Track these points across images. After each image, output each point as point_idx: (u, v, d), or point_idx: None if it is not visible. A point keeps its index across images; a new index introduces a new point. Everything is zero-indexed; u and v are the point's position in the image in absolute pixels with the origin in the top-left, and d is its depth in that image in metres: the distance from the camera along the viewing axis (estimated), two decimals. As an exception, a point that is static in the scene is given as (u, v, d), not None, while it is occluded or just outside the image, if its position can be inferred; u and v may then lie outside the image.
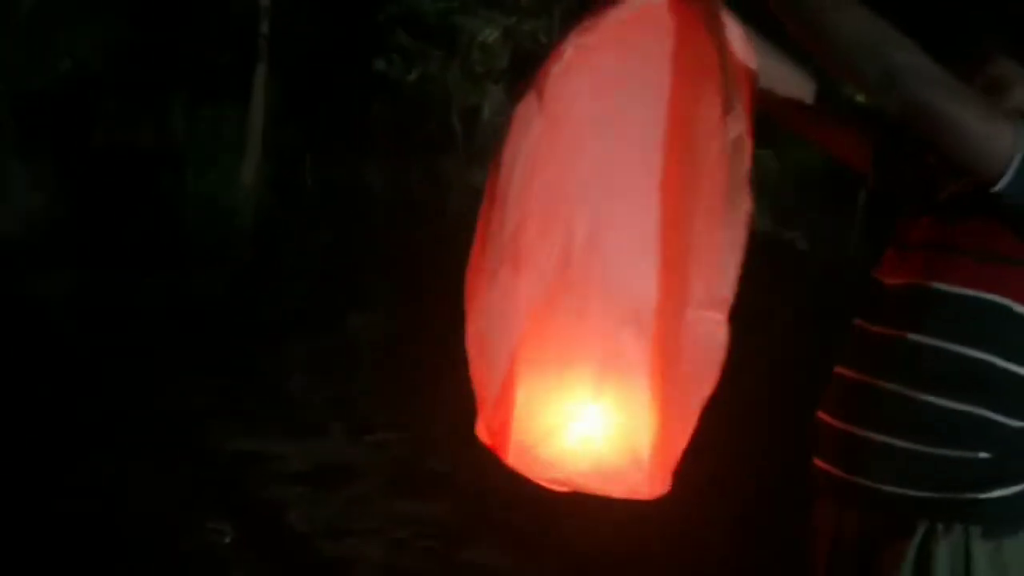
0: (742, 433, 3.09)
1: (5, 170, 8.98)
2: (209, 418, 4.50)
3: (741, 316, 1.54)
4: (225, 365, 5.23)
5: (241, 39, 7.68)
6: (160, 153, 8.28)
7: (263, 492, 3.69)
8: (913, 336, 1.46)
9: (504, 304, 1.58)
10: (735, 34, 1.55)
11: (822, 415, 1.59)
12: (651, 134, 1.59)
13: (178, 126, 8.12)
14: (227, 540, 3.20)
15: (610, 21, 1.55)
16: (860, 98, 2.05)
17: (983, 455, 1.44)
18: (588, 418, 1.65)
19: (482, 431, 1.64)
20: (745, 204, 1.50)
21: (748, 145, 1.50)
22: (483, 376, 1.60)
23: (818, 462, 1.58)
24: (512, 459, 1.63)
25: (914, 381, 1.45)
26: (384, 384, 4.80)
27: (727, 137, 1.50)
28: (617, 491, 1.64)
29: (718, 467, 2.87)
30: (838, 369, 1.58)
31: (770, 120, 1.67)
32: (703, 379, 1.54)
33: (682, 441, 1.58)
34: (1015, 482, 1.45)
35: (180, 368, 5.19)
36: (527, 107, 1.54)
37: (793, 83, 1.70)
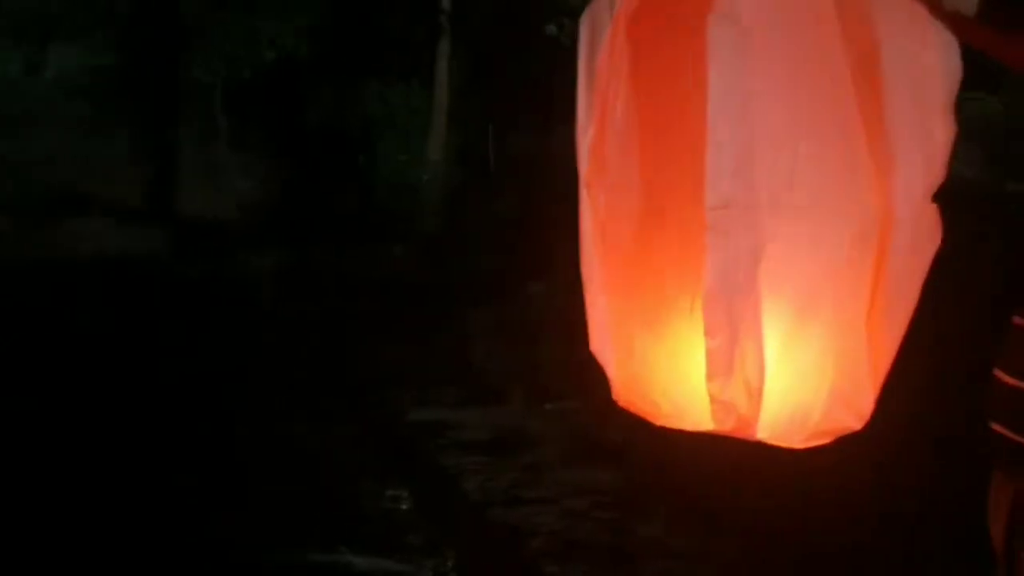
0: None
1: (219, 158, 9.63)
2: (394, 386, 4.61)
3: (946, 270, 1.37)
4: (411, 334, 5.36)
5: (425, 16, 7.81)
6: (355, 133, 8.60)
7: (441, 460, 3.72)
8: None
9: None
10: None
11: (998, 373, 1.38)
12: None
13: (371, 106, 8.38)
14: (404, 507, 3.25)
15: None
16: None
17: None
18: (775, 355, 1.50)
19: (624, 394, 1.54)
20: (941, 133, 1.37)
21: (942, 70, 1.37)
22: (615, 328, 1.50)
23: (995, 426, 1.37)
24: (668, 417, 1.52)
25: None
26: (565, 352, 4.74)
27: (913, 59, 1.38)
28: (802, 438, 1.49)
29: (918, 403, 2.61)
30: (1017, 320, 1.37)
31: (996, 62, 1.45)
32: (910, 289, 1.39)
33: (885, 367, 1.42)
34: None
35: (370, 338, 5.37)
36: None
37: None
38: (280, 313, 6.13)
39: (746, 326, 1.44)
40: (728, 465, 3.38)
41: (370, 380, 4.73)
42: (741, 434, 1.52)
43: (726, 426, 1.51)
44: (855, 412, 1.47)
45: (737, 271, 1.43)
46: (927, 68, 1.40)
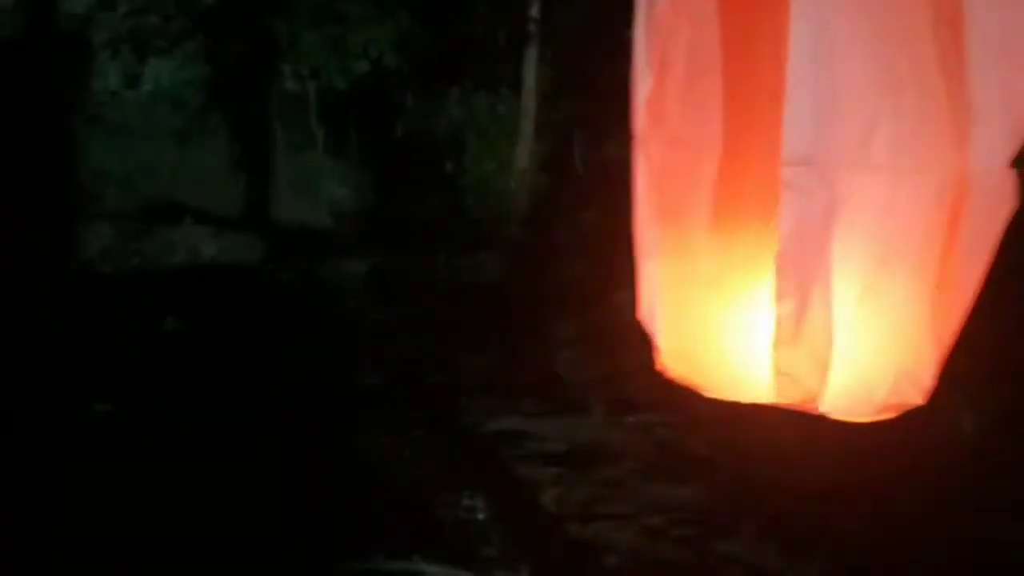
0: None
1: (314, 166, 9.82)
2: (475, 394, 4.59)
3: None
4: (495, 342, 5.34)
5: (513, 24, 7.80)
6: (443, 140, 8.65)
7: (520, 470, 3.68)
8: None
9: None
10: None
11: None
12: None
13: (459, 113, 8.42)
14: (480, 516, 3.21)
15: None
16: None
17: None
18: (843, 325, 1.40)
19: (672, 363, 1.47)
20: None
21: None
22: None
23: None
24: (720, 388, 1.45)
25: None
26: (649, 363, 4.65)
27: None
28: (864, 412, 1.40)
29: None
30: None
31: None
32: (981, 257, 1.30)
33: (950, 339, 1.32)
34: None
35: (454, 344, 5.36)
36: None
37: None
38: (367, 319, 6.19)
39: (817, 292, 1.36)
40: (813, 483, 3.26)
41: (452, 387, 4.72)
42: (803, 407, 1.43)
43: (789, 399, 1.43)
44: (919, 387, 1.38)
45: (811, 232, 1.34)
46: (1014, 20, 1.30)
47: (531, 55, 7.55)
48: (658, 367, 1.47)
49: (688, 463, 3.67)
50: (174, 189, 8.33)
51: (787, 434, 2.70)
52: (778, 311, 1.39)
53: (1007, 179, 1.29)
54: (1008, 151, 1.29)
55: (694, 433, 3.83)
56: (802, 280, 1.36)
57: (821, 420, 1.48)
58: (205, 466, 3.56)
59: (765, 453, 3.12)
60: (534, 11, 7.51)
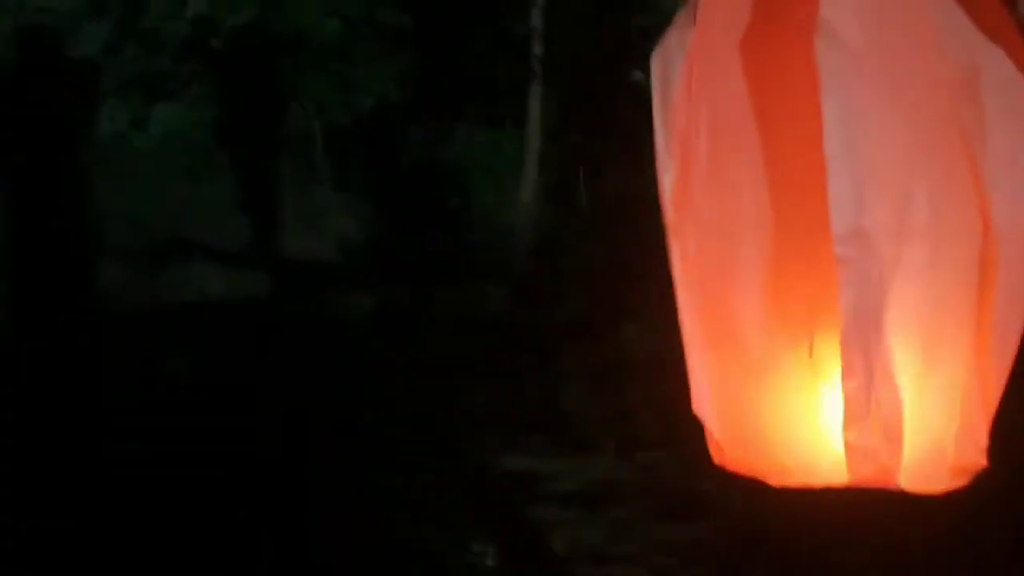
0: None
1: (321, 200, 9.88)
2: (483, 431, 4.58)
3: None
4: (502, 377, 5.33)
5: (516, 61, 7.88)
6: (448, 176, 8.71)
7: (529, 512, 3.66)
8: None
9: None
10: None
11: None
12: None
13: (463, 148, 8.48)
14: (490, 563, 3.19)
15: None
16: None
17: None
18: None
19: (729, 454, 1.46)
20: None
21: None
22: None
23: None
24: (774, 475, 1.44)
25: None
26: (658, 399, 4.63)
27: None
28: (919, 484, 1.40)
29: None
30: None
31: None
32: (1017, 311, 1.34)
33: (997, 394, 1.33)
34: None
35: (459, 380, 5.36)
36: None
37: None
38: (373, 354, 6.19)
39: (881, 364, 1.36)
40: (831, 519, 3.24)
41: (459, 424, 4.72)
42: (881, 483, 1.42)
43: (863, 476, 1.41)
44: (979, 447, 1.38)
45: (869, 305, 1.35)
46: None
47: (535, 91, 7.61)
48: (717, 461, 1.46)
49: (701, 502, 3.65)
50: (183, 227, 8.39)
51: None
52: (846, 388, 1.40)
53: None
54: None
55: (705, 471, 3.81)
56: (867, 354, 1.37)
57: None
58: (207, 503, 3.55)
59: (779, 493, 3.08)
60: (537, 48, 7.59)
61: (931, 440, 1.40)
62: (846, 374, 1.39)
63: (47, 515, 3.36)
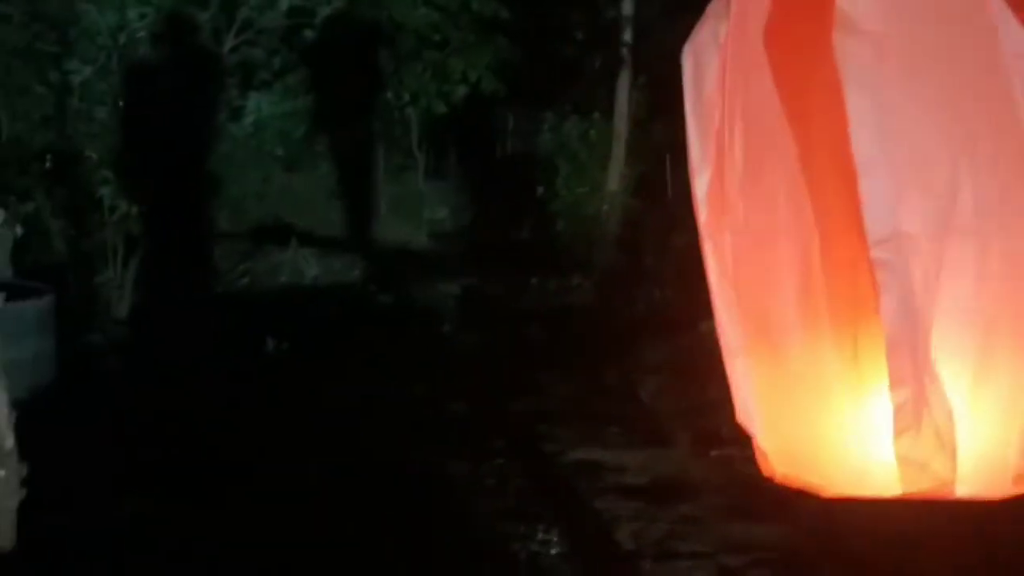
0: None
1: (414, 190, 10.04)
2: (559, 421, 4.60)
3: None
4: (581, 368, 5.34)
5: (606, 49, 7.83)
6: (536, 164, 8.72)
7: (598, 503, 3.67)
8: None
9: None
10: None
11: None
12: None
13: (551, 137, 8.48)
14: (553, 552, 3.22)
15: None
16: None
17: None
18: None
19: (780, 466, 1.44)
20: None
21: None
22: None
23: None
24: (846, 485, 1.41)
25: None
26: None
27: None
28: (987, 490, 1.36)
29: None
30: None
31: None
32: None
33: None
34: None
35: (540, 370, 5.39)
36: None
37: None
38: (457, 342, 6.27)
39: (931, 372, 1.31)
40: (906, 525, 3.14)
41: (536, 413, 4.75)
42: (937, 494, 1.38)
43: (918, 487, 1.37)
44: None
45: (914, 311, 1.30)
46: None
47: (624, 80, 7.55)
48: (764, 472, 1.43)
49: (772, 501, 3.58)
50: (280, 213, 8.64)
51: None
52: (895, 398, 1.34)
53: None
54: None
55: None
56: (915, 362, 1.31)
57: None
58: (291, 483, 3.67)
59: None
60: (627, 36, 7.52)
61: (990, 446, 1.35)
62: (893, 383, 1.34)
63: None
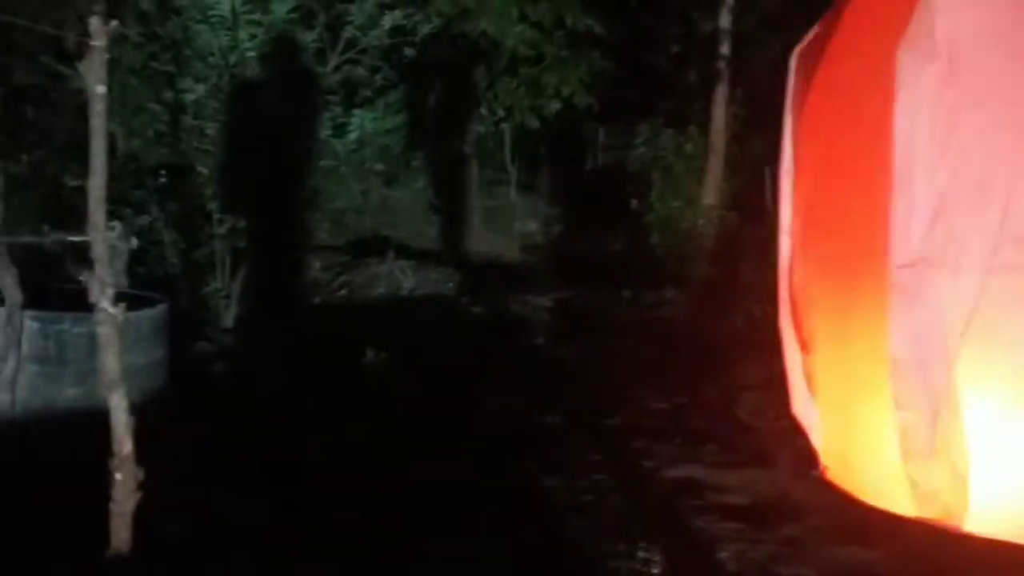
0: None
1: (507, 203, 10.15)
2: (656, 438, 4.58)
3: None
4: (678, 384, 5.31)
5: (703, 63, 7.79)
6: (633, 177, 8.72)
7: (698, 523, 3.64)
8: None
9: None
10: None
11: None
12: None
13: (647, 150, 8.46)
14: (655, 571, 3.21)
15: None
16: None
17: None
18: None
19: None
20: None
21: None
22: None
23: None
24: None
25: None
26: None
27: None
28: None
29: None
30: None
31: None
32: None
33: None
34: None
35: (636, 385, 5.37)
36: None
37: None
38: (551, 355, 6.30)
39: (947, 401, 1.29)
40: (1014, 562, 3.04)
41: (632, 430, 4.74)
42: (947, 523, 1.37)
43: (929, 514, 1.37)
44: None
45: (930, 338, 1.28)
46: None
47: (721, 93, 7.49)
48: (814, 468, 1.44)
49: (875, 524, 3.51)
50: (378, 226, 8.84)
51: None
52: (899, 419, 1.34)
53: None
54: None
55: (884, 493, 3.66)
56: (925, 388, 1.30)
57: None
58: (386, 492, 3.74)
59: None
60: (724, 49, 7.47)
61: (1012, 487, 1.30)
62: (897, 405, 1.32)
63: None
